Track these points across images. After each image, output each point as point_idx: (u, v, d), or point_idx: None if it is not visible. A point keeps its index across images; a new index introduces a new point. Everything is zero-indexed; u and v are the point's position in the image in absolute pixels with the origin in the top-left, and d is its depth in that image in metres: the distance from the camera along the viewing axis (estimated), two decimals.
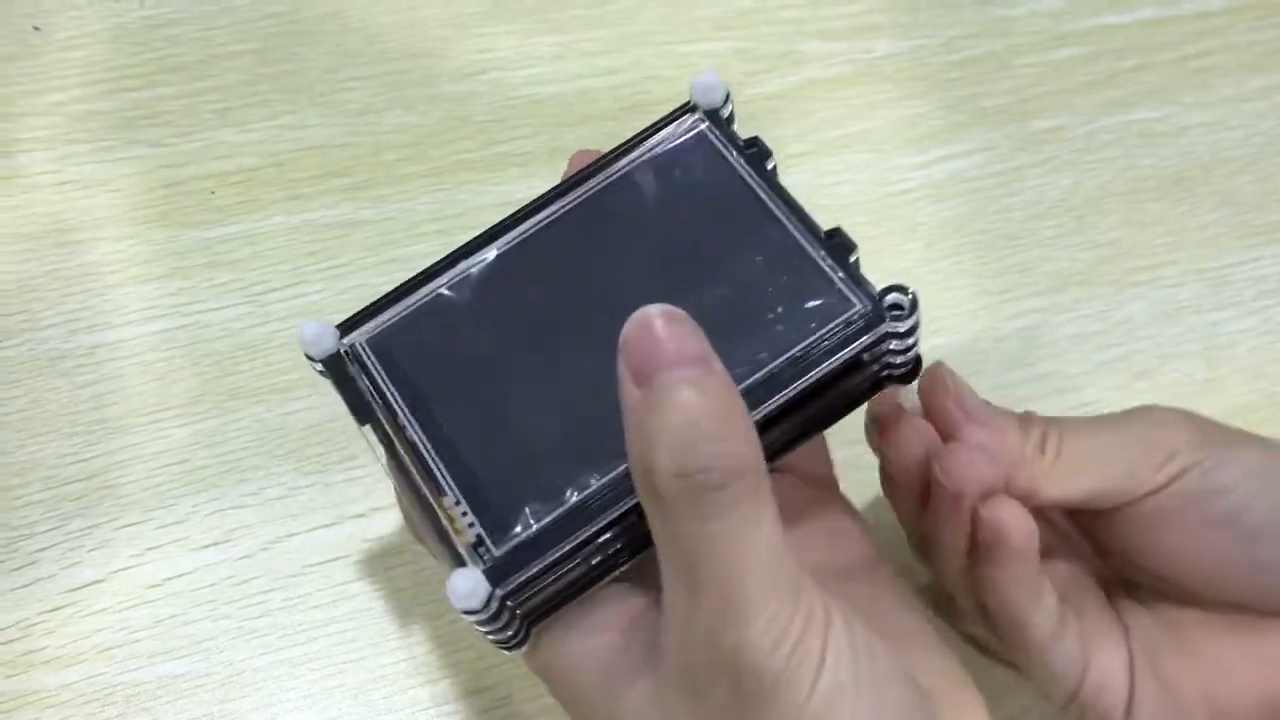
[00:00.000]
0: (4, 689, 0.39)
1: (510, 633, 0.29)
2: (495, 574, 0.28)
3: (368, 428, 0.31)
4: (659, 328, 0.27)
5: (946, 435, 0.35)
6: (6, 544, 0.42)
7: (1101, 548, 0.38)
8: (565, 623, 0.31)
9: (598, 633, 0.30)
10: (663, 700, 0.28)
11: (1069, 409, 0.49)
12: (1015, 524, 0.33)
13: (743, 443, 0.27)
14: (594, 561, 0.30)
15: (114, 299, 0.47)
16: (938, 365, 0.36)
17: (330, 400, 0.45)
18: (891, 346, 0.31)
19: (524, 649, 0.30)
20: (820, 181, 0.54)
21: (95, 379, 0.45)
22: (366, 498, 0.44)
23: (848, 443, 0.37)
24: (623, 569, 0.31)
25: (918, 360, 0.33)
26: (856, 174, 0.54)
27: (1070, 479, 0.35)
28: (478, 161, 0.52)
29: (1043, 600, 0.35)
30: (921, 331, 0.32)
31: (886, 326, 0.31)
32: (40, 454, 0.43)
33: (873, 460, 0.37)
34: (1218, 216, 0.54)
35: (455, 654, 0.41)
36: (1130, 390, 0.49)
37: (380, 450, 0.31)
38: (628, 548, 0.31)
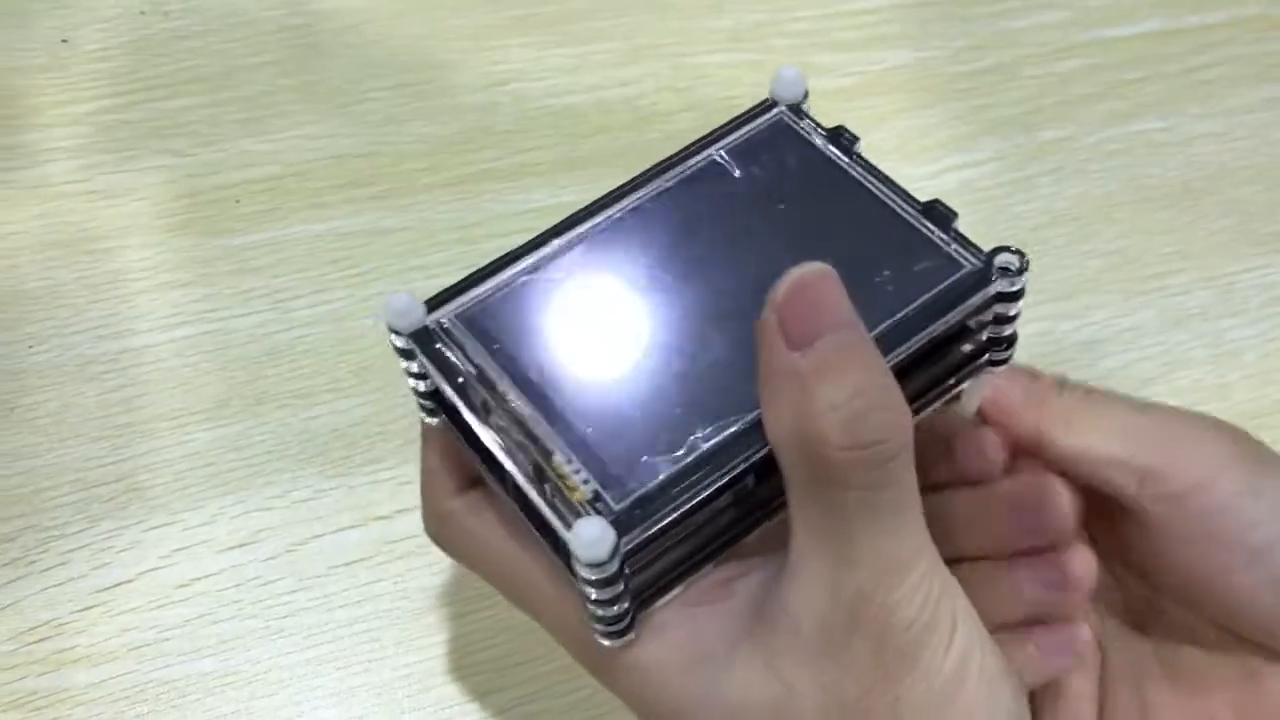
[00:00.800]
0: (36, 686, 0.40)
1: (624, 606, 0.28)
2: (620, 526, 0.27)
3: (465, 397, 0.30)
4: (821, 289, 0.27)
5: None
6: (38, 544, 0.42)
7: (1117, 559, 0.37)
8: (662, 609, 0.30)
9: (683, 607, 0.30)
10: (779, 668, 0.28)
11: None
12: None
13: (905, 412, 0.27)
14: (706, 534, 0.30)
15: (140, 305, 0.48)
16: None
17: (356, 404, 0.46)
18: (998, 311, 0.32)
19: (630, 636, 0.29)
20: None
21: (123, 384, 0.46)
22: (390, 500, 0.44)
23: None
24: (737, 544, 0.30)
25: (1014, 338, 0.33)
26: None
27: (1089, 435, 0.33)
28: (497, 171, 0.53)
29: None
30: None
31: (997, 285, 0.31)
32: (69, 457, 0.44)
33: None
34: (1224, 225, 0.55)
35: (479, 653, 0.42)
36: (1139, 396, 0.50)
37: (478, 422, 0.30)
38: (742, 520, 0.30)
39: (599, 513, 0.27)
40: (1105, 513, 0.34)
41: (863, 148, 0.34)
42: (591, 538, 0.26)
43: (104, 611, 0.42)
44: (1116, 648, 0.36)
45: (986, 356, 0.33)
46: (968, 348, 0.32)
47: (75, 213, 0.49)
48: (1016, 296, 0.31)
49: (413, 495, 0.44)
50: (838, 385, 0.26)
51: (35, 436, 0.44)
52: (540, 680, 0.41)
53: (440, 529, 0.34)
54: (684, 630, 0.29)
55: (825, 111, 0.57)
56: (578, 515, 0.27)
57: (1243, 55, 0.60)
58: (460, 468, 0.33)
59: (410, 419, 0.46)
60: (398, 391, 0.47)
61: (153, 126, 0.52)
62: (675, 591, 0.30)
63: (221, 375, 0.47)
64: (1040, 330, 0.51)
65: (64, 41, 0.54)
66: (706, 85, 0.57)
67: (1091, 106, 0.58)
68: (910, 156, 0.56)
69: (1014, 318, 0.32)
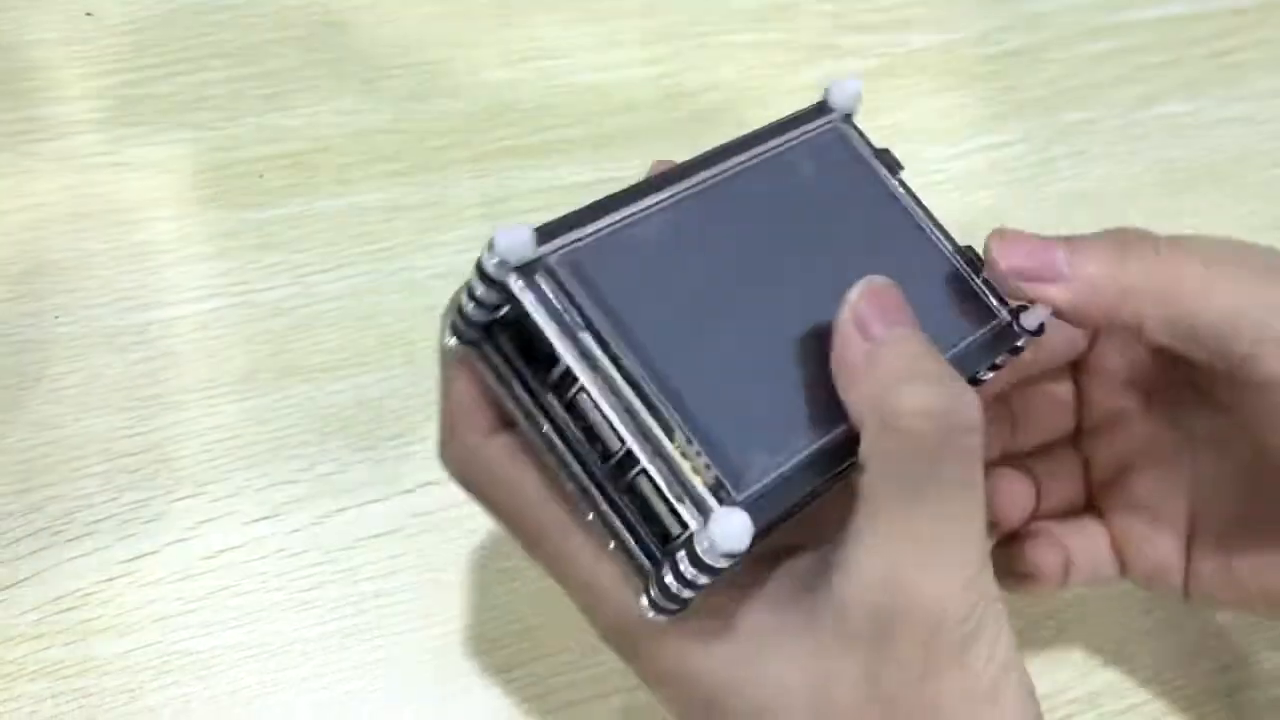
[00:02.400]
0: (62, 656, 0.40)
1: (696, 593, 0.28)
2: (752, 516, 0.26)
3: (570, 344, 0.28)
4: (890, 294, 0.29)
5: None
6: (64, 515, 0.42)
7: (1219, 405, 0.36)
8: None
9: (726, 597, 0.29)
10: (821, 653, 0.28)
11: None
12: None
13: (970, 392, 0.28)
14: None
15: (167, 277, 0.48)
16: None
17: (380, 377, 0.46)
18: (998, 362, 0.33)
19: (679, 614, 0.29)
20: None
21: (149, 355, 0.46)
22: (416, 473, 0.44)
23: None
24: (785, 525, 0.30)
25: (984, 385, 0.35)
26: None
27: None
28: (521, 148, 0.53)
29: None
30: None
31: (1021, 341, 0.33)
32: (96, 428, 0.44)
33: None
34: (1250, 209, 0.55)
35: (506, 626, 0.42)
36: None
37: (587, 373, 0.28)
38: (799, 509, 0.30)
39: (723, 502, 0.27)
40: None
41: (903, 172, 0.35)
42: (734, 531, 0.26)
43: (129, 582, 0.42)
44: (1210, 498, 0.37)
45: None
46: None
47: (101, 185, 0.49)
48: (1020, 353, 0.34)
49: (438, 468, 0.44)
50: (910, 364, 0.28)
51: (61, 407, 0.44)
52: (568, 654, 0.41)
53: (467, 466, 0.32)
54: (724, 611, 0.29)
55: None
56: (699, 501, 0.27)
57: (1270, 39, 0.60)
58: (492, 406, 0.31)
59: (433, 394, 0.46)
60: (422, 366, 0.47)
61: (178, 100, 0.52)
62: (720, 577, 0.29)
63: (247, 348, 0.47)
64: None
65: (88, 15, 0.54)
66: (731, 64, 0.57)
67: (1117, 89, 0.58)
68: (935, 138, 0.56)
69: (1000, 368, 0.34)
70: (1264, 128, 0.57)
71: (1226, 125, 0.57)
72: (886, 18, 0.60)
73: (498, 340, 0.30)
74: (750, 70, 0.57)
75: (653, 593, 0.28)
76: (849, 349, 0.28)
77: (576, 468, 0.29)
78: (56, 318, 0.46)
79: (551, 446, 0.29)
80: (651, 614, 0.28)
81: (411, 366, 0.47)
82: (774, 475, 0.28)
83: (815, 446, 0.29)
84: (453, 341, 0.30)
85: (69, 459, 0.43)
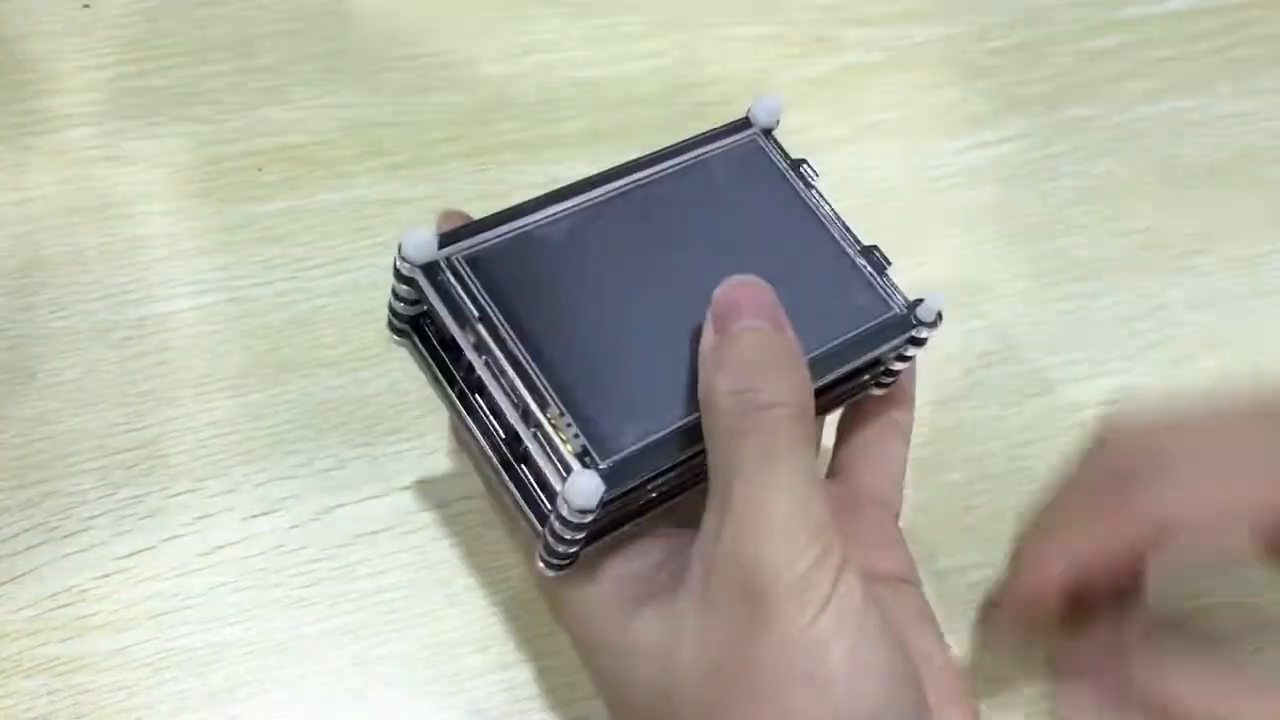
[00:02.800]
0: (59, 653, 0.40)
1: (574, 550, 0.32)
2: (608, 480, 0.30)
3: (464, 332, 0.32)
4: (743, 292, 0.32)
5: None
6: (60, 511, 0.42)
7: None
8: (601, 551, 0.33)
9: (625, 561, 0.33)
10: (674, 615, 0.31)
11: (1107, 393, 0.49)
12: None
13: (792, 378, 0.31)
14: (655, 494, 0.33)
15: (163, 272, 0.47)
16: None
17: (378, 374, 0.46)
18: (903, 352, 0.36)
19: (568, 570, 0.33)
20: (858, 165, 0.54)
21: (145, 350, 0.46)
22: (413, 470, 0.44)
23: None
24: (672, 503, 0.34)
25: (899, 374, 0.38)
26: (894, 159, 0.55)
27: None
28: (520, 142, 0.53)
29: None
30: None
31: (914, 332, 0.36)
32: (92, 423, 0.44)
33: None
34: (1253, 207, 0.54)
35: (501, 624, 0.42)
36: (1168, 376, 0.49)
37: (475, 357, 0.32)
38: (682, 485, 0.34)
39: (587, 466, 0.30)
40: None
41: (822, 185, 0.38)
42: (585, 489, 0.29)
43: (126, 579, 0.42)
44: None
45: (873, 381, 0.38)
46: (865, 376, 0.37)
47: (97, 179, 0.49)
48: (923, 343, 0.36)
49: (434, 465, 0.44)
50: (734, 351, 0.31)
51: (57, 403, 0.44)
52: (563, 654, 0.41)
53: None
54: (616, 579, 0.33)
55: (851, 87, 0.57)
56: (564, 464, 0.31)
57: (1273, 35, 0.59)
58: None
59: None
60: None
61: (176, 93, 0.52)
62: (604, 540, 0.33)
63: (243, 344, 0.46)
64: (1069, 309, 0.51)
65: (86, 7, 0.53)
66: (732, 58, 0.57)
67: (1120, 85, 0.58)
68: (937, 132, 0.56)
69: (910, 359, 0.37)
70: (1269, 124, 0.57)
71: (1229, 122, 0.57)
72: (888, 11, 0.59)
73: (425, 332, 0.35)
74: (750, 64, 0.57)
75: (540, 550, 0.32)
76: (705, 341, 0.32)
77: (483, 442, 0.33)
78: (52, 313, 0.46)
79: (464, 425, 0.34)
80: (542, 568, 0.32)
81: (409, 363, 0.46)
82: (637, 447, 0.31)
83: (678, 425, 0.32)
84: (393, 338, 0.35)
85: (65, 454, 0.43)
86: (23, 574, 0.41)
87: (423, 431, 0.45)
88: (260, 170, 0.50)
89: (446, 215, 0.37)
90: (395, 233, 0.50)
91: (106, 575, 0.42)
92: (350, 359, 0.46)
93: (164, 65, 0.52)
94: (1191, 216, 0.54)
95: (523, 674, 0.41)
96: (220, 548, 0.42)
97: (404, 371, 0.46)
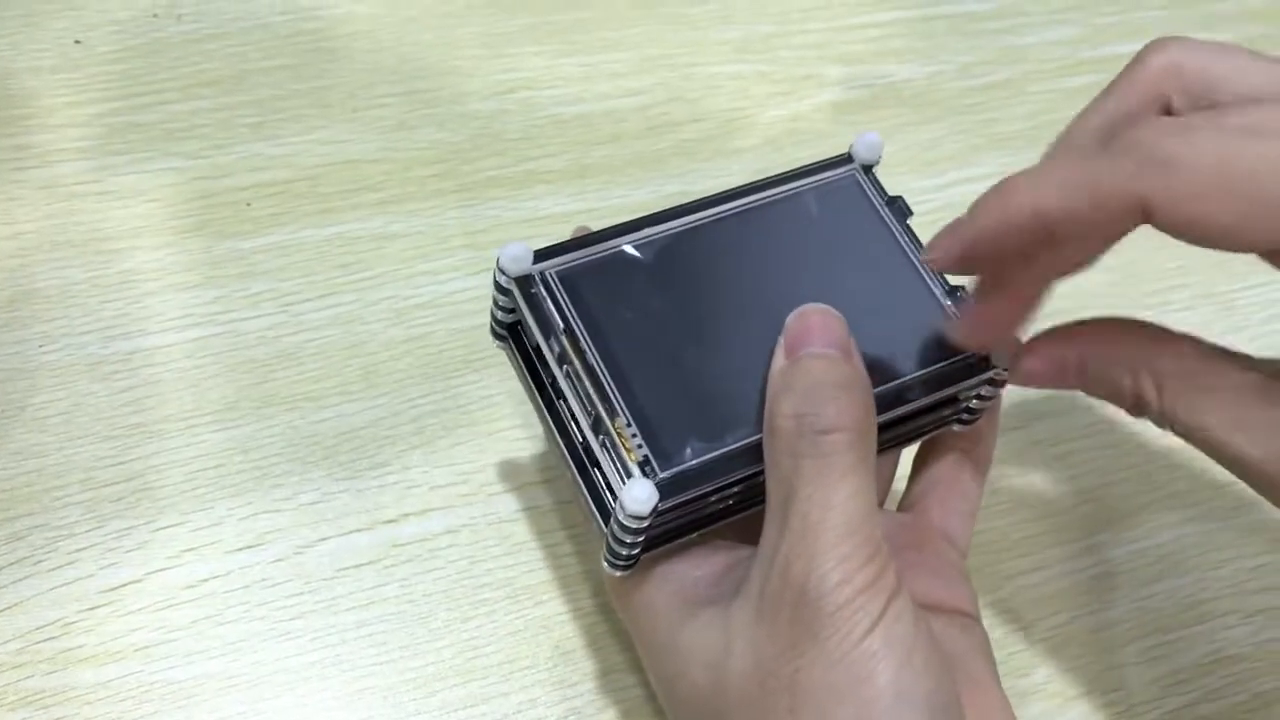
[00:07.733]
0: (43, 686, 0.40)
1: (635, 552, 0.34)
2: (662, 491, 0.32)
3: (549, 342, 0.35)
4: (815, 320, 0.33)
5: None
6: (46, 544, 0.43)
7: None
8: (668, 556, 0.35)
9: (692, 567, 0.35)
10: (728, 621, 0.32)
11: (1082, 429, 0.50)
12: None
13: (854, 406, 0.32)
14: (718, 508, 0.35)
15: (151, 306, 0.48)
16: None
17: (364, 407, 0.47)
18: (981, 392, 0.37)
19: (629, 572, 0.35)
20: None
21: (133, 384, 0.46)
22: (398, 503, 0.45)
23: None
24: (735, 518, 0.36)
25: (980, 413, 0.39)
26: None
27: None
28: (506, 178, 0.54)
29: None
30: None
31: (991, 374, 0.37)
32: (79, 456, 0.44)
33: None
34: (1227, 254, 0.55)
35: (484, 657, 0.42)
36: None
37: (556, 366, 0.35)
38: (745, 501, 0.35)
39: (646, 475, 0.33)
40: None
41: (911, 218, 0.39)
42: (640, 496, 0.32)
43: (111, 611, 0.42)
44: None
45: (954, 418, 0.39)
46: (946, 412, 0.38)
47: (87, 213, 0.50)
48: (1002, 384, 0.37)
49: (420, 499, 0.45)
50: (800, 376, 0.32)
51: (45, 435, 0.44)
52: (542, 687, 0.42)
53: None
54: (680, 582, 0.35)
55: (832, 123, 0.57)
56: (626, 471, 0.33)
57: None
58: None
59: (417, 424, 0.46)
60: (405, 395, 0.47)
61: (165, 129, 0.52)
62: (665, 547, 0.35)
63: (230, 377, 0.47)
64: None
65: (77, 43, 0.54)
66: (716, 96, 0.58)
67: None
68: (916, 170, 0.56)
69: (989, 399, 0.38)
70: None
71: None
72: (869, 49, 0.60)
73: (521, 338, 0.37)
74: (735, 101, 0.58)
75: (604, 550, 0.34)
76: (774, 365, 0.33)
77: (562, 444, 0.36)
78: (41, 346, 0.46)
79: (547, 426, 0.36)
80: (606, 568, 0.35)
81: (395, 396, 0.47)
82: (698, 461, 0.33)
83: (742, 444, 0.34)
84: (496, 342, 0.38)
85: (51, 487, 0.44)
86: (8, 607, 0.41)
87: (408, 465, 0.45)
88: (249, 205, 0.51)
89: (577, 231, 0.39)
90: (383, 268, 0.50)
91: (93, 608, 0.42)
92: (336, 393, 0.47)
93: (154, 101, 0.53)
94: (1166, 252, 0.54)
95: (505, 707, 0.41)
96: (205, 580, 0.43)
97: (388, 407, 0.47)
